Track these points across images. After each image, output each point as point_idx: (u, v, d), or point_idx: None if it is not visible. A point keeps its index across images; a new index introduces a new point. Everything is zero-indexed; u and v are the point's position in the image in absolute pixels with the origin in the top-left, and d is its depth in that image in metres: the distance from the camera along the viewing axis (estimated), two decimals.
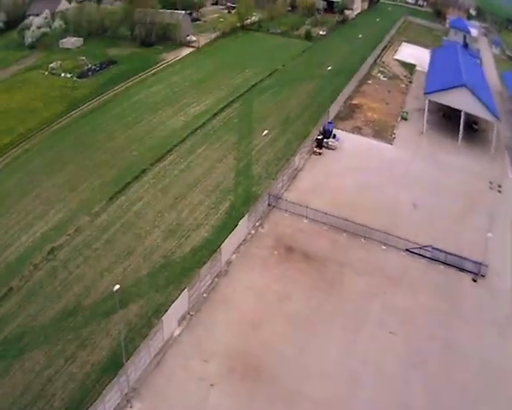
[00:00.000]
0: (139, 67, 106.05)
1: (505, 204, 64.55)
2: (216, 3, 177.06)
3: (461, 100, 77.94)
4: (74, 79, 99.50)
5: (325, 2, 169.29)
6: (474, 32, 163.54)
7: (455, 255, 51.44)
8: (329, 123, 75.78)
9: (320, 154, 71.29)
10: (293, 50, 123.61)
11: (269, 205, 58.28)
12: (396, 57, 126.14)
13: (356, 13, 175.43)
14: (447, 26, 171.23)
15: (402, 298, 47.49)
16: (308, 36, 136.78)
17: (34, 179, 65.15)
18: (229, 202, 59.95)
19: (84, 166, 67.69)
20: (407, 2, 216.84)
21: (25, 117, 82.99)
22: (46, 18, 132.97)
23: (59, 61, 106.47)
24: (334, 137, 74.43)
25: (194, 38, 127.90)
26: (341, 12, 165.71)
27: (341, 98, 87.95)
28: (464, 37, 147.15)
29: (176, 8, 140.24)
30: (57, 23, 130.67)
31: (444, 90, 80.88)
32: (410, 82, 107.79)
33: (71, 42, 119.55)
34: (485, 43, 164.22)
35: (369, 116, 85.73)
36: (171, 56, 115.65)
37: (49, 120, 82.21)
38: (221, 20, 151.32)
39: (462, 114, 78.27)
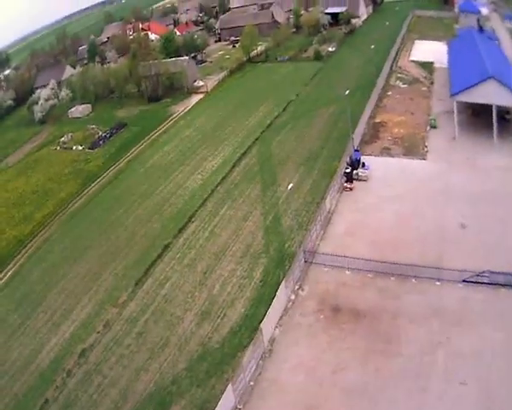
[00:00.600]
0: (149, 127, 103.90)
1: None
2: (219, 40, 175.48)
3: (490, 94, 71.19)
4: (86, 150, 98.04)
5: (329, 16, 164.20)
6: (484, 10, 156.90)
7: None
8: (356, 151, 69.94)
9: (351, 189, 65.20)
10: (305, 75, 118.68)
11: (305, 262, 53.02)
12: (411, 58, 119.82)
13: (363, 19, 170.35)
14: (456, 11, 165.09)
15: (467, 339, 41.74)
16: (318, 56, 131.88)
17: (57, 271, 63.15)
18: (263, 266, 54.72)
19: (105, 248, 64.98)
20: None
21: (41, 201, 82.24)
22: (53, 88, 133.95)
23: (70, 134, 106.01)
24: (364, 165, 68.50)
25: (201, 83, 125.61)
26: (347, 22, 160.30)
27: (363, 119, 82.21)
28: (478, 20, 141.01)
29: (179, 54, 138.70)
30: (64, 92, 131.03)
31: (470, 87, 74.70)
32: (432, 83, 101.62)
33: (79, 110, 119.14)
34: (497, 19, 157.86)
35: (396, 132, 79.86)
36: (181, 108, 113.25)
37: (65, 201, 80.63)
38: (227, 57, 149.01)
39: (494, 107, 72.19)
